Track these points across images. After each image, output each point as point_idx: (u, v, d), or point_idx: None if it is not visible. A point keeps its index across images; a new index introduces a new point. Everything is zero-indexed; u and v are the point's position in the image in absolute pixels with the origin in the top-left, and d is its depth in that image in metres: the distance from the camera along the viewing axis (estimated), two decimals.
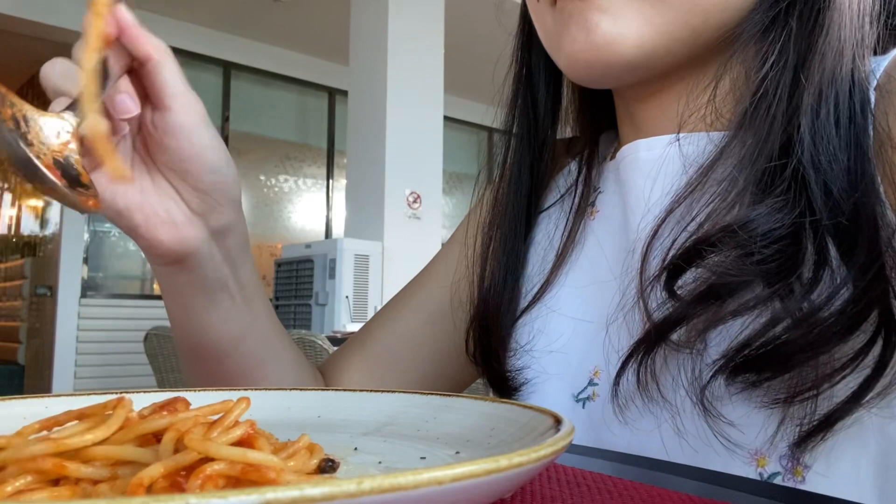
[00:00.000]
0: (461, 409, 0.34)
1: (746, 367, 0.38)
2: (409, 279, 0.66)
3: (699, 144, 0.45)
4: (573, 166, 0.58)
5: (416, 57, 4.06)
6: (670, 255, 0.41)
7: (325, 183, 5.94)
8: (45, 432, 0.26)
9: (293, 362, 0.57)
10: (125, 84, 0.41)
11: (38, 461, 0.22)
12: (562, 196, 0.57)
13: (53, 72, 0.40)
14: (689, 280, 0.41)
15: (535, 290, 0.54)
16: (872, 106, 0.40)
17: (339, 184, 5.85)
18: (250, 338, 0.52)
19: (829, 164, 0.39)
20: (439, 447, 0.31)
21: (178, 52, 5.29)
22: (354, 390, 0.39)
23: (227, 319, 0.50)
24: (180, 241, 0.45)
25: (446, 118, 4.34)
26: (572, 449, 0.38)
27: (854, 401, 0.37)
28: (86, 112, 0.36)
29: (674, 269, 0.41)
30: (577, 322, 0.51)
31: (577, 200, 0.55)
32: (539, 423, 0.28)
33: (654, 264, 0.42)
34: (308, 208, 5.88)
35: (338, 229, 5.82)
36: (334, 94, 5.84)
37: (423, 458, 0.30)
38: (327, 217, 5.93)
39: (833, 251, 0.38)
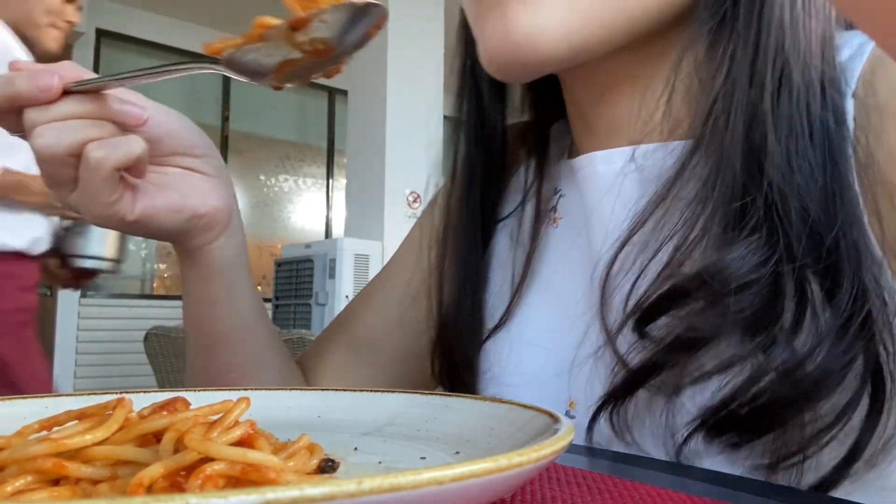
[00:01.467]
0: (461, 409, 0.34)
1: (726, 426, 0.35)
2: None
3: (657, 157, 0.41)
4: (528, 168, 0.54)
5: (416, 57, 4.05)
6: (637, 290, 0.38)
7: (325, 183, 5.94)
8: (44, 432, 0.26)
9: (283, 350, 0.57)
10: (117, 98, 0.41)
11: (38, 461, 0.22)
12: (519, 204, 0.53)
13: None
14: (660, 324, 0.37)
15: (501, 311, 0.50)
16: (851, 116, 0.36)
17: (339, 184, 5.84)
18: (263, 314, 0.53)
19: (806, 182, 0.35)
20: (439, 447, 0.31)
21: (178, 52, 5.23)
22: (354, 390, 0.39)
23: (253, 293, 0.52)
24: (223, 197, 0.48)
25: (446, 118, 4.34)
26: (572, 449, 0.38)
27: (843, 468, 0.34)
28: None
29: (643, 316, 0.38)
30: (547, 351, 0.47)
31: (534, 211, 0.51)
32: (538, 423, 0.28)
33: (618, 295, 0.39)
34: (308, 208, 5.87)
35: (338, 229, 5.81)
36: (334, 94, 5.83)
37: (423, 458, 0.30)
38: (327, 217, 5.92)
39: (816, 289, 0.34)
